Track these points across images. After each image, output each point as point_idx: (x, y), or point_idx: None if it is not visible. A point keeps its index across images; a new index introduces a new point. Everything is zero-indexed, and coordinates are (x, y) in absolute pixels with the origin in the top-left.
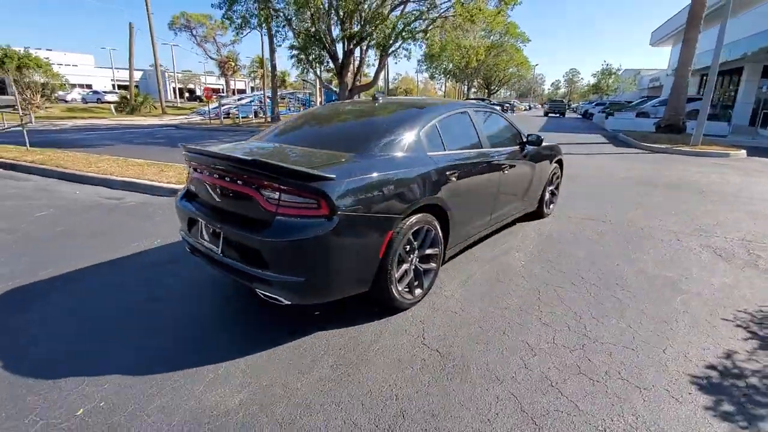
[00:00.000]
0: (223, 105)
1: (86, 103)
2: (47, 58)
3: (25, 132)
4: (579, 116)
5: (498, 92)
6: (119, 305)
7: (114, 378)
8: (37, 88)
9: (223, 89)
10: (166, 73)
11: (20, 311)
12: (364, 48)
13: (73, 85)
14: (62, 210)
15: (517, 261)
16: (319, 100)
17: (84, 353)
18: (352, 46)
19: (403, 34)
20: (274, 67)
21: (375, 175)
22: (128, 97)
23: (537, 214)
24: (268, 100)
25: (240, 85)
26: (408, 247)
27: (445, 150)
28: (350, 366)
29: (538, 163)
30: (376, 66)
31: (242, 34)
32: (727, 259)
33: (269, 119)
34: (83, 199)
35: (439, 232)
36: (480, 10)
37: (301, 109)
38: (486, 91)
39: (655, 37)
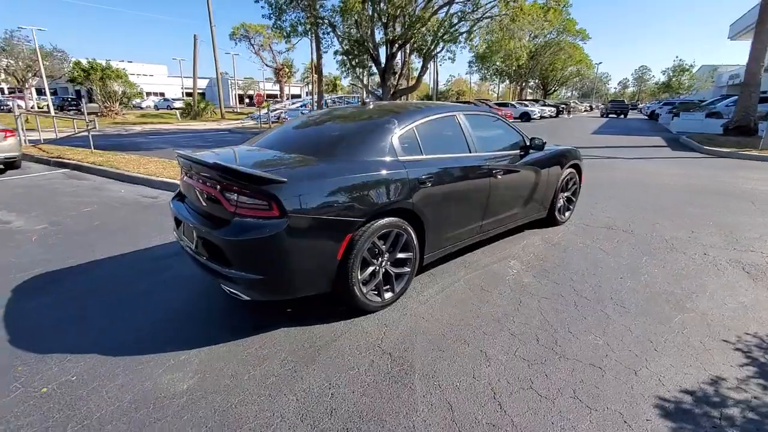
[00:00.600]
0: (274, 109)
1: (158, 109)
2: (124, 69)
3: (90, 136)
4: (645, 117)
5: (556, 93)
6: (117, 294)
7: (92, 357)
8: (116, 97)
9: (279, 95)
10: (229, 81)
11: (38, 293)
12: (408, 51)
13: (148, 93)
14: (104, 206)
15: (509, 269)
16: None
17: (75, 333)
18: (394, 50)
19: (445, 37)
20: (320, 72)
21: (332, 179)
22: (192, 103)
23: (549, 222)
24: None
25: (295, 91)
26: (376, 250)
27: (422, 155)
28: (300, 363)
29: (545, 168)
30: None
31: (292, 41)
32: (755, 277)
33: None
34: (125, 197)
35: (413, 236)
36: (521, 9)
37: None
38: (542, 91)
39: (734, 29)
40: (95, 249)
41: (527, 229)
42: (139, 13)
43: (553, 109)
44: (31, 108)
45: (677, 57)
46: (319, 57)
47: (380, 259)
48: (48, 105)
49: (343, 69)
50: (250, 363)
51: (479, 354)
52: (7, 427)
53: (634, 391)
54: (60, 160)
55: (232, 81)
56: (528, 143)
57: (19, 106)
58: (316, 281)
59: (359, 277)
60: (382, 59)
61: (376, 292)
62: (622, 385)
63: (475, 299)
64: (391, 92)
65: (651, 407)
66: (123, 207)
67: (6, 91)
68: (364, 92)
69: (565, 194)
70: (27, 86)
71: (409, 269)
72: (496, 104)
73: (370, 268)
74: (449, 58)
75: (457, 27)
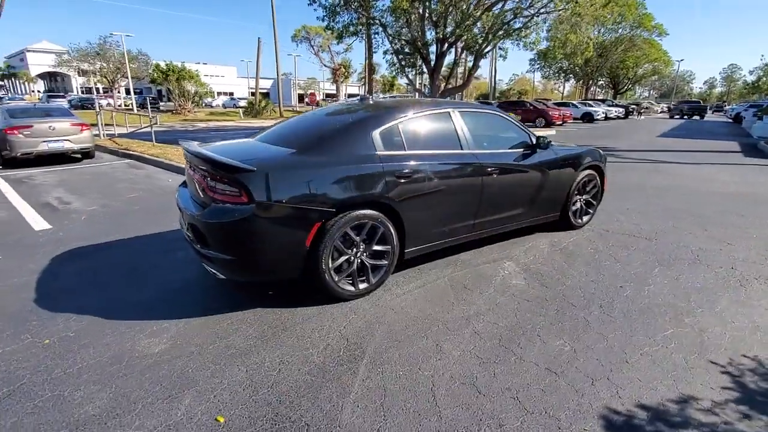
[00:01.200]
0: None
1: (225, 108)
2: (197, 70)
3: (152, 131)
4: (729, 120)
5: (629, 92)
6: (131, 267)
7: (92, 318)
8: (189, 96)
9: (336, 94)
10: (291, 81)
11: (69, 263)
12: (459, 50)
13: (219, 93)
14: (149, 193)
15: (501, 270)
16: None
17: (87, 297)
18: (444, 49)
19: (499, 33)
20: (371, 71)
21: (302, 171)
22: (253, 102)
23: (564, 225)
24: None
25: (353, 90)
26: (350, 240)
27: (405, 150)
28: (262, 339)
29: (554, 169)
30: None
31: (344, 41)
32: None
33: None
34: (170, 185)
35: (392, 230)
36: (576, 2)
37: None
38: (612, 90)
39: None
40: (130, 229)
41: (538, 232)
42: (214, 19)
43: (621, 109)
44: (118, 106)
45: (762, 56)
46: (371, 56)
47: (354, 249)
48: (132, 103)
49: (393, 68)
50: (218, 336)
51: (434, 347)
52: (8, 369)
53: (583, 399)
54: (126, 151)
55: (294, 81)
56: (534, 142)
57: (100, 105)
58: (286, 265)
59: (330, 265)
60: (432, 58)
61: (350, 281)
62: (573, 393)
63: (452, 296)
64: (440, 91)
65: (595, 418)
66: (165, 194)
67: (101, 91)
68: (414, 91)
69: (583, 197)
70: (116, 86)
71: (386, 262)
72: (555, 104)
73: (343, 257)
74: (501, 56)
75: (510, 23)
